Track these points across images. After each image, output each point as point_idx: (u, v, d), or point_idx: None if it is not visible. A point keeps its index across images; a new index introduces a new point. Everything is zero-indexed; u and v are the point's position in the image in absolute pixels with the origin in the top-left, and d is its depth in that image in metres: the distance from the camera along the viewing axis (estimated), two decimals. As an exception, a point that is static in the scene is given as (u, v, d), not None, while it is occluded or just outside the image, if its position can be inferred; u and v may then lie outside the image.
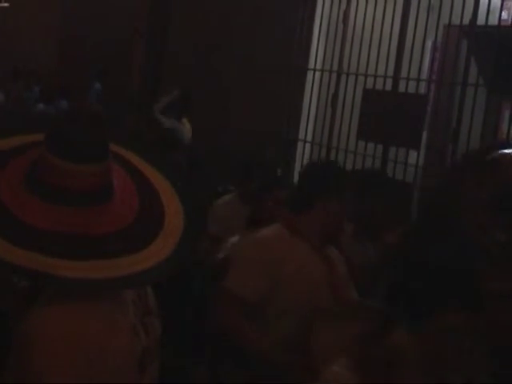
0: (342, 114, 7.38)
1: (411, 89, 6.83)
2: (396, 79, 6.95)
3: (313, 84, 7.76)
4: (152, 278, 1.77)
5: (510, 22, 7.07)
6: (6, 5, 15.90)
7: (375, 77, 7.06)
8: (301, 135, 7.87)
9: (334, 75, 7.52)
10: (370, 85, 7.15)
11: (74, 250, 1.65)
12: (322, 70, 7.67)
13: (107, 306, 1.72)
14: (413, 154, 6.80)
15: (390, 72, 6.95)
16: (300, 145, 7.87)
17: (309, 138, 7.82)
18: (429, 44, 7.19)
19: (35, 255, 1.59)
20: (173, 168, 2.05)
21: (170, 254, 1.74)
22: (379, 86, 7.02)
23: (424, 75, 7.03)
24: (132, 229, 1.75)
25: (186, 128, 8.07)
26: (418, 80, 6.81)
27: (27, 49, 13.80)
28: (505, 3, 6.37)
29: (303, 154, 7.79)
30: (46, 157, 1.71)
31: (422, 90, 6.99)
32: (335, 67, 7.52)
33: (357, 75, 7.25)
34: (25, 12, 14.41)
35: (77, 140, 1.71)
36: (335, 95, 7.51)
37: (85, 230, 1.68)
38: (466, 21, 6.32)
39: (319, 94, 7.77)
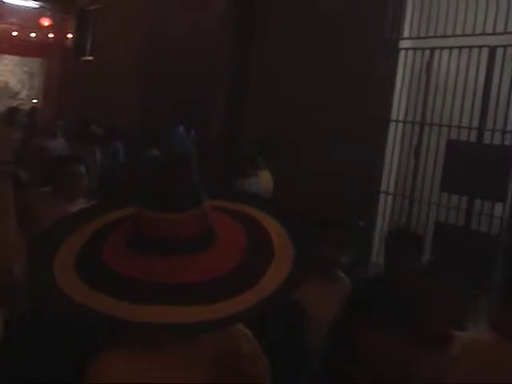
0: (425, 165, 7.48)
1: (496, 140, 6.85)
2: (481, 130, 7.00)
3: (395, 135, 7.89)
4: (215, 327, 1.76)
5: None
6: (90, 58, 16.68)
7: (459, 128, 7.12)
8: (383, 187, 7.96)
9: (417, 126, 7.64)
10: (453, 136, 7.21)
11: (162, 297, 1.70)
12: (405, 122, 7.80)
13: (169, 358, 1.76)
14: (498, 207, 6.80)
15: (475, 123, 7.00)
16: (382, 196, 7.95)
17: (391, 189, 7.91)
18: (515, 95, 7.20)
19: (123, 303, 1.68)
20: (286, 214, 2.04)
21: (252, 304, 1.72)
22: (463, 137, 7.07)
23: (510, 126, 7.01)
24: (228, 277, 1.77)
25: (265, 179, 8.32)
26: (504, 131, 6.83)
27: (109, 101, 14.22)
28: None
29: (385, 206, 7.89)
30: (140, 210, 1.81)
31: (508, 141, 6.99)
32: (418, 118, 7.64)
33: (440, 126, 7.33)
34: (108, 65, 14.96)
35: (163, 190, 1.79)
36: (418, 146, 7.61)
37: (173, 279, 1.73)
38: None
39: (402, 145, 7.88)
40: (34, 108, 15.27)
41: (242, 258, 1.83)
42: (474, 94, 7.00)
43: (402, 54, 7.89)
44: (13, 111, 15.10)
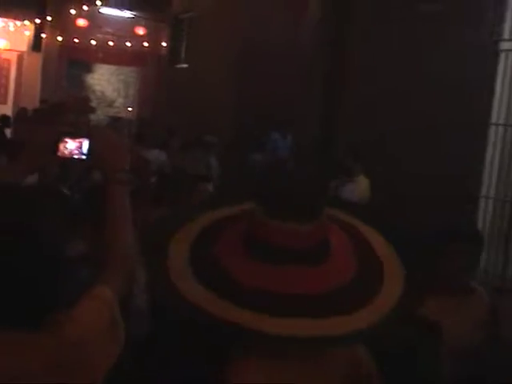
0: (528, 168, 7.37)
1: None
2: None
3: (496, 138, 7.83)
4: (352, 340, 1.81)
5: None
6: (184, 66, 17.00)
7: (562, 130, 7.00)
8: (483, 191, 7.89)
9: (519, 129, 7.55)
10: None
11: (279, 307, 1.72)
12: (506, 125, 7.75)
13: (298, 366, 1.79)
14: None
15: None
16: (482, 201, 7.89)
17: (491, 193, 7.85)
18: None
19: (239, 310, 1.72)
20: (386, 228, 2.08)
21: (375, 321, 1.76)
22: None
23: None
24: (344, 291, 1.80)
25: (361, 185, 8.31)
26: None
27: (204, 108, 14.41)
28: None
29: (486, 211, 7.82)
30: (263, 218, 1.85)
31: None
32: (519, 121, 7.55)
33: (543, 129, 7.23)
34: (202, 72, 15.15)
35: (289, 199, 1.84)
36: (520, 150, 7.51)
37: (294, 289, 1.76)
38: None
39: (502, 148, 7.83)
40: (143, 119, 15.54)
41: (358, 268, 1.87)
42: None
43: (503, 56, 7.82)
44: (115, 120, 15.59)
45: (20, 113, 14.21)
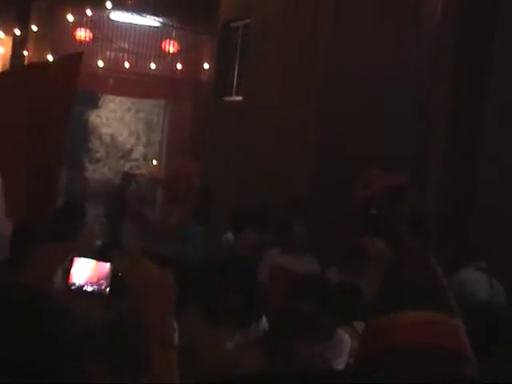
0: None
1: None
2: None
3: None
4: None
5: None
6: (237, 98, 16.29)
7: None
8: None
9: None
10: None
11: None
12: None
13: None
14: None
15: None
16: None
17: None
18: None
19: None
20: None
21: None
22: None
23: None
24: None
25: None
26: None
27: (267, 161, 13.88)
28: None
29: None
30: None
31: None
32: None
33: None
34: (264, 107, 14.66)
35: None
36: None
37: None
38: None
39: None
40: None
41: None
42: None
43: None
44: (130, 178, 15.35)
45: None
